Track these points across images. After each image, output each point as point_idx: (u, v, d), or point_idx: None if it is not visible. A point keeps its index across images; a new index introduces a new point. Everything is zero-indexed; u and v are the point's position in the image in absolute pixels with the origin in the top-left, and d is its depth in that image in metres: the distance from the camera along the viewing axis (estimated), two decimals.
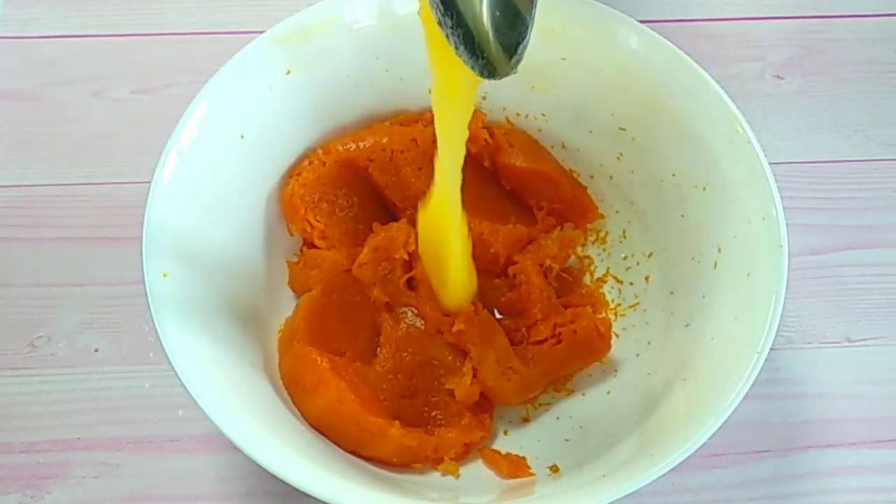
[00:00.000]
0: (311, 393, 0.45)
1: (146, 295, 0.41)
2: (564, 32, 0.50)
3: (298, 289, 0.51)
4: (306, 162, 0.51)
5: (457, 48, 0.33)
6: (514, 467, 0.47)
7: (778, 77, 0.65)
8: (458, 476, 0.47)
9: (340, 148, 0.51)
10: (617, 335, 0.51)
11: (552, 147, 0.54)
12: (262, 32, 0.48)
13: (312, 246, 0.51)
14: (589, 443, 0.47)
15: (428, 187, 0.52)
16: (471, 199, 0.53)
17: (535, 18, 0.37)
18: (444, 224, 0.47)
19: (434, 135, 0.43)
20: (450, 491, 0.46)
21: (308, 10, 0.48)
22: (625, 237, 0.54)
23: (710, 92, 0.47)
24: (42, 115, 0.60)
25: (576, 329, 0.49)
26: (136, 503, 0.49)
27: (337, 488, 0.39)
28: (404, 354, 0.49)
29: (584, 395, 0.51)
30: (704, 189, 0.48)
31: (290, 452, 0.40)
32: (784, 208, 0.44)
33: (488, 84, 0.53)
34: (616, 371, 0.51)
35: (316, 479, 0.39)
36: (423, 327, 0.50)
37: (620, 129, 0.51)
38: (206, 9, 0.65)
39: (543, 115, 0.54)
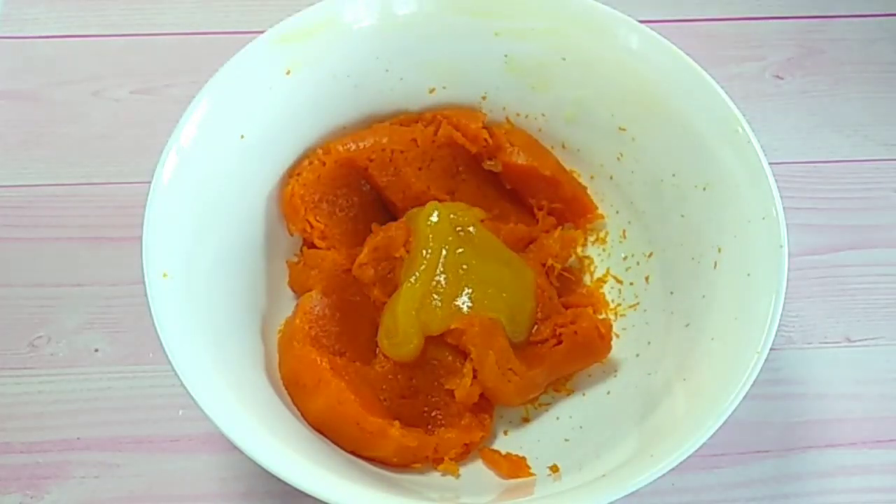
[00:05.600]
0: (311, 393, 0.45)
1: (146, 295, 0.41)
2: (564, 32, 0.50)
3: (298, 289, 0.51)
4: (306, 162, 0.51)
5: None
6: (514, 467, 0.47)
7: (778, 77, 0.65)
8: (458, 476, 0.47)
9: (340, 148, 0.51)
10: (617, 335, 0.51)
11: (552, 147, 0.54)
12: (262, 32, 0.48)
13: (312, 246, 0.51)
14: (589, 443, 0.47)
15: (427, 187, 0.52)
16: (471, 199, 0.53)
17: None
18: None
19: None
20: (450, 491, 0.46)
21: (308, 10, 0.48)
22: (625, 237, 0.54)
23: (710, 92, 0.47)
24: (42, 115, 0.60)
25: (576, 330, 0.49)
26: (136, 503, 0.49)
27: (337, 488, 0.39)
28: None
29: (584, 395, 0.50)
30: (704, 189, 0.48)
31: (290, 452, 0.40)
32: (784, 208, 0.44)
33: (489, 84, 0.53)
34: (616, 371, 0.51)
35: (316, 479, 0.39)
36: None
37: (620, 129, 0.51)
38: (206, 9, 0.65)
39: (543, 115, 0.54)
